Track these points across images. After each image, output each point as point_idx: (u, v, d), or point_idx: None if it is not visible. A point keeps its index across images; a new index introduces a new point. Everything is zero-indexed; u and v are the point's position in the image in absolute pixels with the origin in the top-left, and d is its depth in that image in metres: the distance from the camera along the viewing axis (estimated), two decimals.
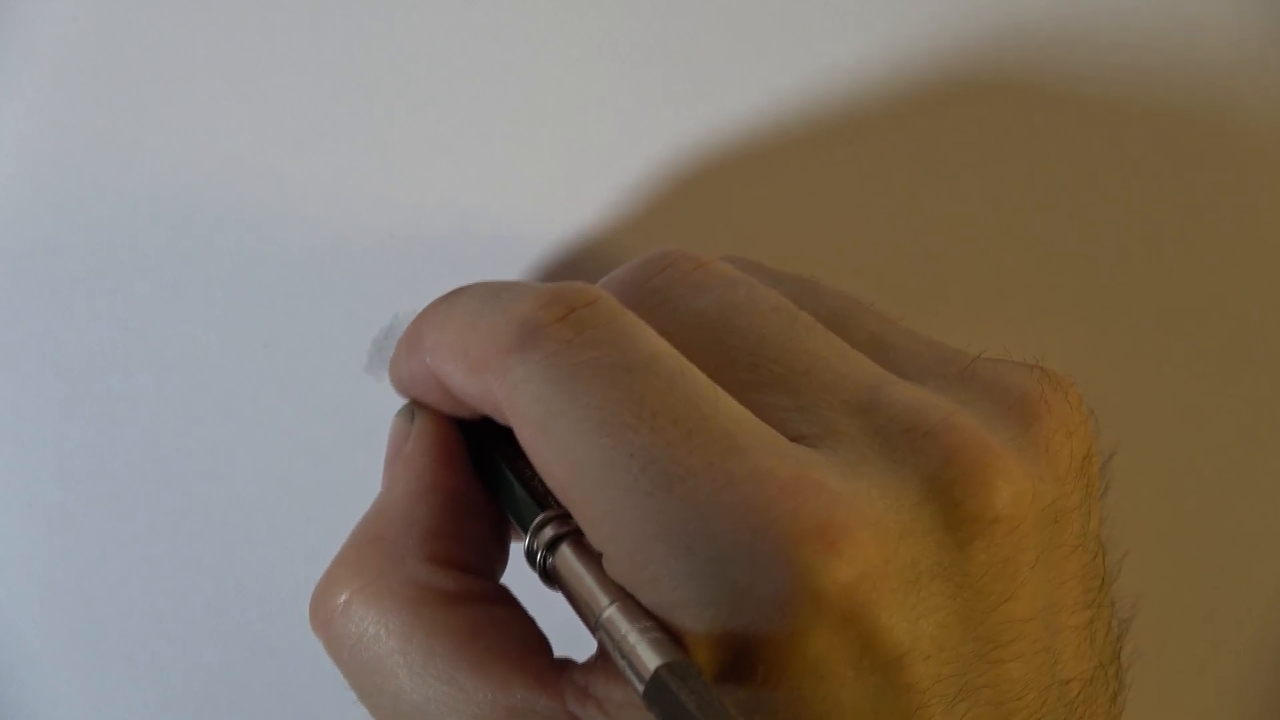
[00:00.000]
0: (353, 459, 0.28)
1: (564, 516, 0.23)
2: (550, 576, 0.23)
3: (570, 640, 0.24)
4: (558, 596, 0.23)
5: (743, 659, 0.21)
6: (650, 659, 0.20)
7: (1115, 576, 0.25)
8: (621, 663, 0.21)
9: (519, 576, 0.24)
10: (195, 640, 0.31)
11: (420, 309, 0.26)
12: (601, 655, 0.22)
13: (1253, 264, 0.32)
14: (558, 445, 0.22)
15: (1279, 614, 0.34)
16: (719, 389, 0.23)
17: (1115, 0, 0.30)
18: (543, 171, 0.29)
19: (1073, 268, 0.31)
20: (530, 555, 0.23)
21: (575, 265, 0.30)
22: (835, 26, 0.29)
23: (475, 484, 0.26)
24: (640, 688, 0.20)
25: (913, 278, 0.31)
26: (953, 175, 0.31)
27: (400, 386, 0.26)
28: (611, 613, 0.21)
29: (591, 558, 0.22)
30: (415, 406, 0.26)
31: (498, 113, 0.29)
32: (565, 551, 0.23)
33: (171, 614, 0.31)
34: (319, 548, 0.26)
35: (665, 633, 0.21)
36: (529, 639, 0.24)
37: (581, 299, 0.23)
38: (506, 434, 0.24)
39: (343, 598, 0.24)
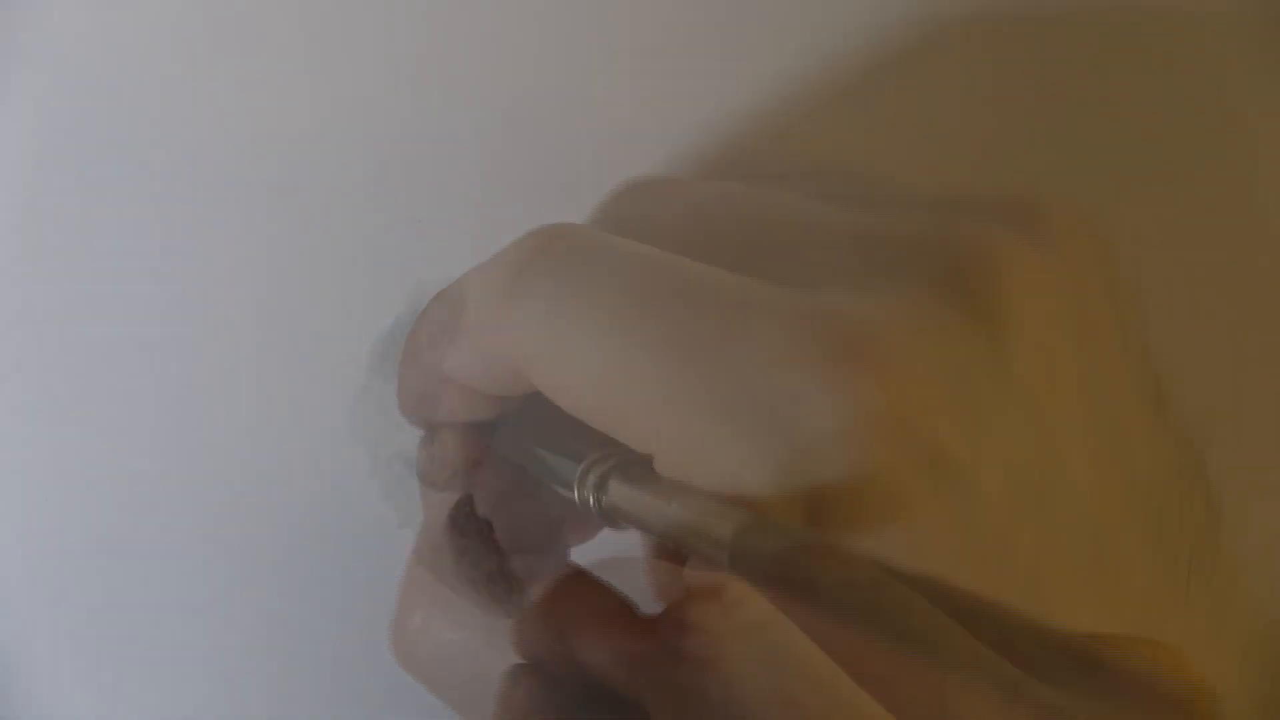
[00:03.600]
0: (353, 459, 0.28)
1: (602, 459, 0.23)
2: (610, 517, 0.23)
3: None
4: None
5: (820, 509, 0.20)
6: (724, 531, 0.19)
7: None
8: (705, 549, 0.20)
9: None
10: (195, 640, 0.31)
11: (419, 310, 0.25)
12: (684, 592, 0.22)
13: (1248, 263, 0.32)
14: (577, 365, 0.22)
15: (1273, 613, 0.34)
16: (708, 265, 0.22)
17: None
18: (545, 172, 0.29)
19: None
20: (585, 505, 0.23)
21: None
22: (835, 23, 0.29)
23: (512, 476, 0.25)
24: (725, 560, 0.19)
25: None
26: (947, 174, 0.31)
27: (416, 410, 0.26)
28: (676, 509, 0.21)
29: (642, 477, 0.22)
30: (433, 428, 0.26)
31: (499, 112, 0.29)
32: (614, 485, 0.22)
33: (172, 614, 0.31)
34: (320, 548, 0.26)
35: (733, 506, 0.20)
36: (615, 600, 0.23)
37: (552, 229, 0.23)
38: (528, 413, 0.23)
39: (418, 619, 0.24)
